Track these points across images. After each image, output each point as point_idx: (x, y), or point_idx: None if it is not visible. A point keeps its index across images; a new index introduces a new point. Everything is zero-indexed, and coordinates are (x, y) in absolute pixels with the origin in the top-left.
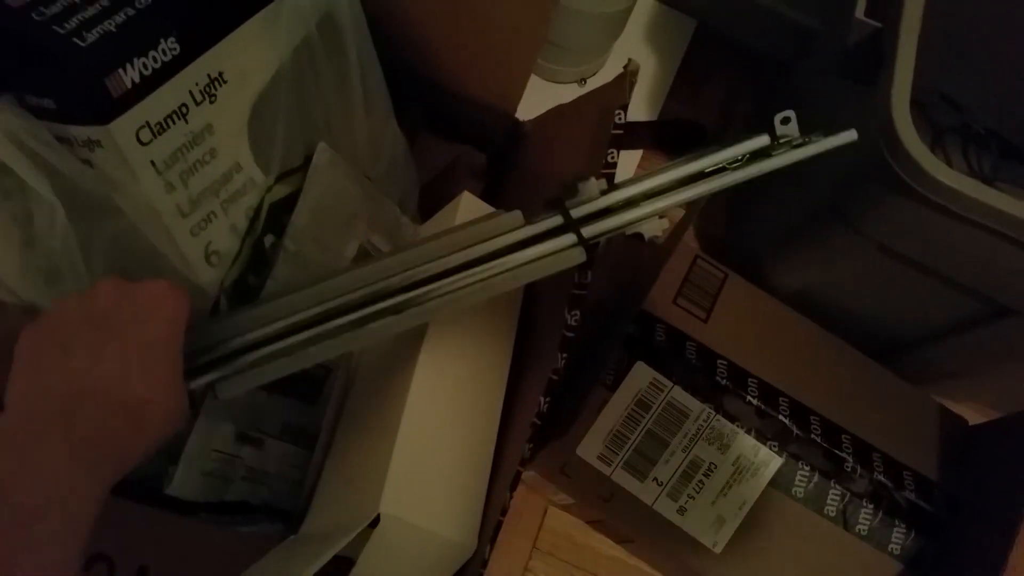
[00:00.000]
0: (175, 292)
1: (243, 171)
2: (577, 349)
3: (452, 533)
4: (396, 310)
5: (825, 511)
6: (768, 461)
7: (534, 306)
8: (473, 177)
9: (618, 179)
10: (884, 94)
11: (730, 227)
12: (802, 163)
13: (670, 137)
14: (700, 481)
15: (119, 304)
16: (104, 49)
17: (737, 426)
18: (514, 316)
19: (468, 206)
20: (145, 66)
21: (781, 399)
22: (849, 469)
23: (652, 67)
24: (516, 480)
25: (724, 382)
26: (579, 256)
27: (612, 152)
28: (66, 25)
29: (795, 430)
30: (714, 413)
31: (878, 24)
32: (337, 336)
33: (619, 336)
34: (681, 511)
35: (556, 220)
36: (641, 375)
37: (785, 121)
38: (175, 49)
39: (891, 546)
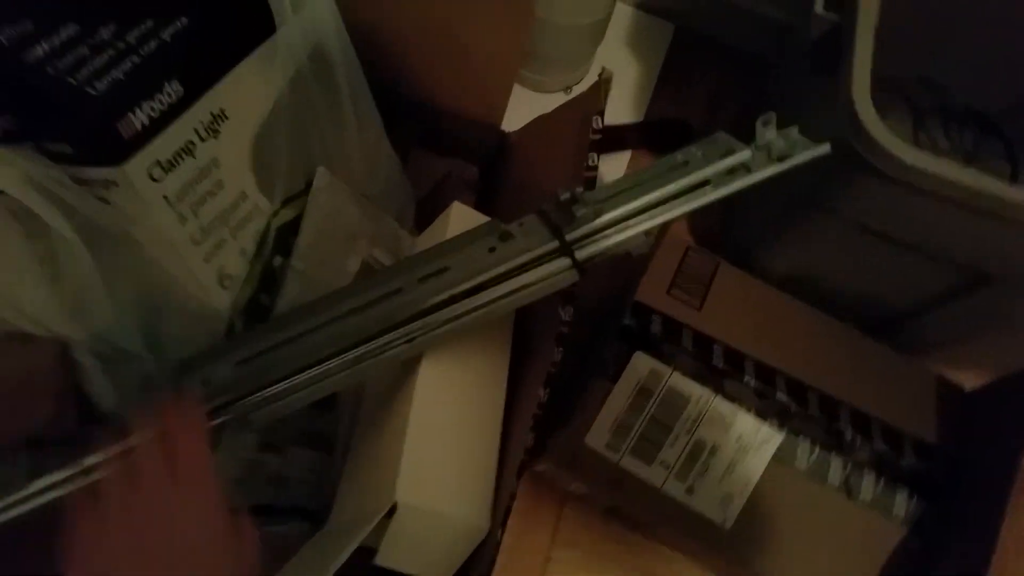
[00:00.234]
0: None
1: (249, 199)
2: (579, 344)
3: (465, 515)
4: (408, 339)
5: (828, 482)
6: (769, 438)
7: (531, 305)
8: (466, 188)
9: (609, 179)
10: (845, 82)
11: (722, 220)
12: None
13: (657, 136)
14: (705, 461)
15: (160, 482)
16: (114, 96)
17: (737, 406)
18: (510, 316)
19: (459, 216)
20: (152, 109)
21: (778, 378)
22: (849, 440)
23: (635, 71)
24: (523, 467)
25: (721, 365)
26: (573, 276)
27: (592, 156)
28: (78, 76)
29: (793, 406)
30: (714, 395)
31: (836, 18)
32: (354, 367)
33: (615, 329)
34: (689, 491)
35: (553, 244)
36: (640, 364)
37: (766, 123)
38: (179, 91)
39: (895, 511)
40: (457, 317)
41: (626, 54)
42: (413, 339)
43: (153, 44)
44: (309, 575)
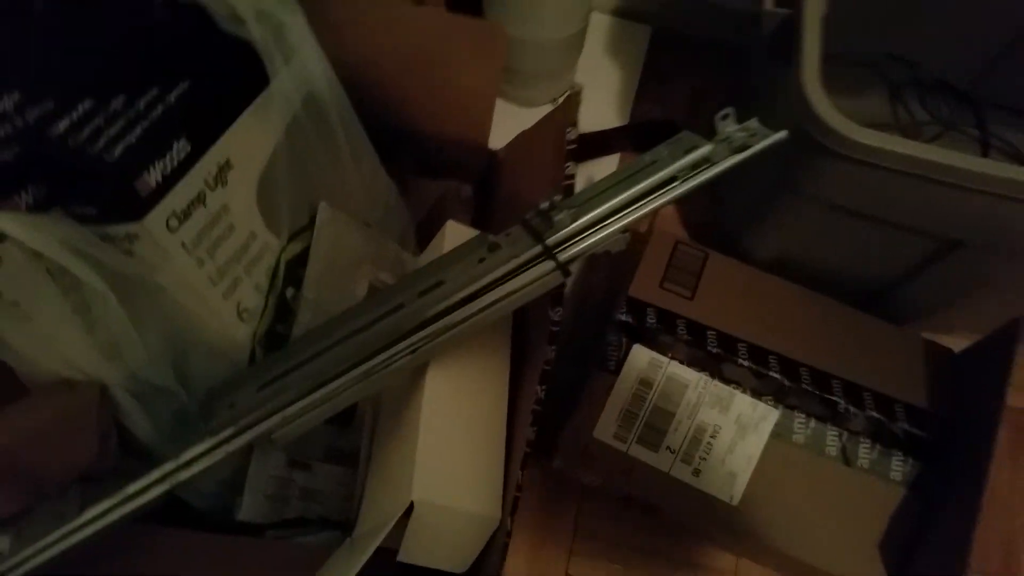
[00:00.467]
0: None
1: (259, 238)
2: (581, 342)
3: (478, 508)
4: (412, 350)
5: (826, 452)
6: (767, 415)
7: (526, 308)
8: (462, 206)
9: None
10: (796, 71)
11: (711, 211)
12: (743, 163)
13: (644, 137)
14: (708, 443)
15: None
16: (129, 159)
17: (734, 388)
18: (508, 319)
19: (453, 233)
20: (165, 166)
21: (770, 357)
22: (843, 411)
23: (617, 76)
24: (526, 460)
25: (715, 350)
26: (559, 278)
27: (569, 165)
28: (96, 146)
29: (787, 383)
30: (711, 380)
31: (786, 12)
32: (364, 380)
33: (612, 324)
34: (696, 473)
35: (536, 249)
36: (640, 357)
37: (724, 117)
38: (187, 148)
39: (892, 474)
40: (455, 325)
41: (607, 60)
42: (417, 349)
43: (160, 108)
44: None
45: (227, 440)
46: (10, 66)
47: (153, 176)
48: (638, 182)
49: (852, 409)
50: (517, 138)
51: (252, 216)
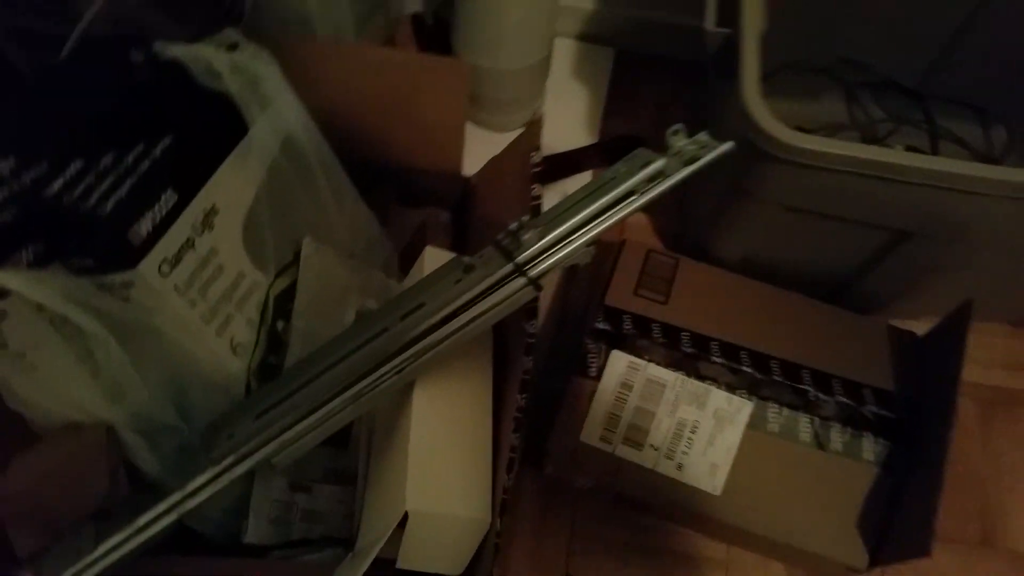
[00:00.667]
0: None
1: (247, 276)
2: (565, 354)
3: (468, 512)
4: (398, 370)
5: (800, 438)
6: (742, 407)
7: (504, 324)
8: (442, 232)
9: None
10: (736, 86)
11: (680, 219)
12: (697, 174)
13: (613, 154)
14: (689, 438)
15: None
16: (121, 212)
17: (709, 384)
18: (489, 334)
19: (432, 257)
20: (155, 216)
21: (742, 353)
22: (813, 398)
23: (584, 98)
24: (511, 464)
25: (690, 350)
26: (531, 293)
27: (535, 187)
28: (88, 202)
29: (759, 376)
30: (687, 378)
31: (727, 31)
32: (355, 402)
33: (590, 332)
34: (679, 467)
35: (508, 268)
36: (618, 361)
37: (675, 132)
38: (174, 197)
39: (864, 454)
40: (437, 344)
41: (573, 83)
42: (402, 369)
43: (147, 162)
44: None
45: (228, 468)
46: (4, 133)
47: (144, 226)
48: (599, 198)
49: (822, 396)
50: (488, 164)
51: (239, 256)
